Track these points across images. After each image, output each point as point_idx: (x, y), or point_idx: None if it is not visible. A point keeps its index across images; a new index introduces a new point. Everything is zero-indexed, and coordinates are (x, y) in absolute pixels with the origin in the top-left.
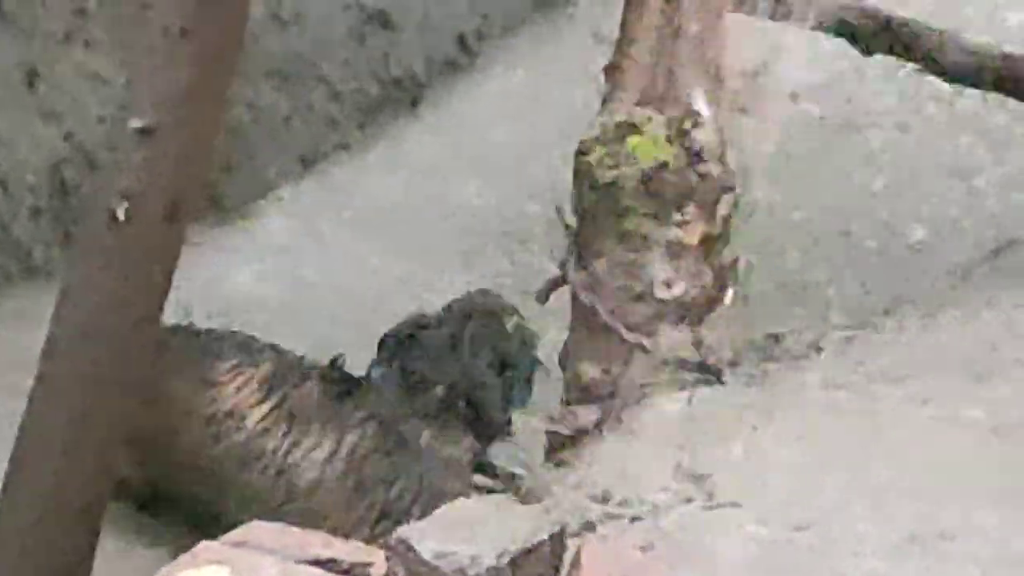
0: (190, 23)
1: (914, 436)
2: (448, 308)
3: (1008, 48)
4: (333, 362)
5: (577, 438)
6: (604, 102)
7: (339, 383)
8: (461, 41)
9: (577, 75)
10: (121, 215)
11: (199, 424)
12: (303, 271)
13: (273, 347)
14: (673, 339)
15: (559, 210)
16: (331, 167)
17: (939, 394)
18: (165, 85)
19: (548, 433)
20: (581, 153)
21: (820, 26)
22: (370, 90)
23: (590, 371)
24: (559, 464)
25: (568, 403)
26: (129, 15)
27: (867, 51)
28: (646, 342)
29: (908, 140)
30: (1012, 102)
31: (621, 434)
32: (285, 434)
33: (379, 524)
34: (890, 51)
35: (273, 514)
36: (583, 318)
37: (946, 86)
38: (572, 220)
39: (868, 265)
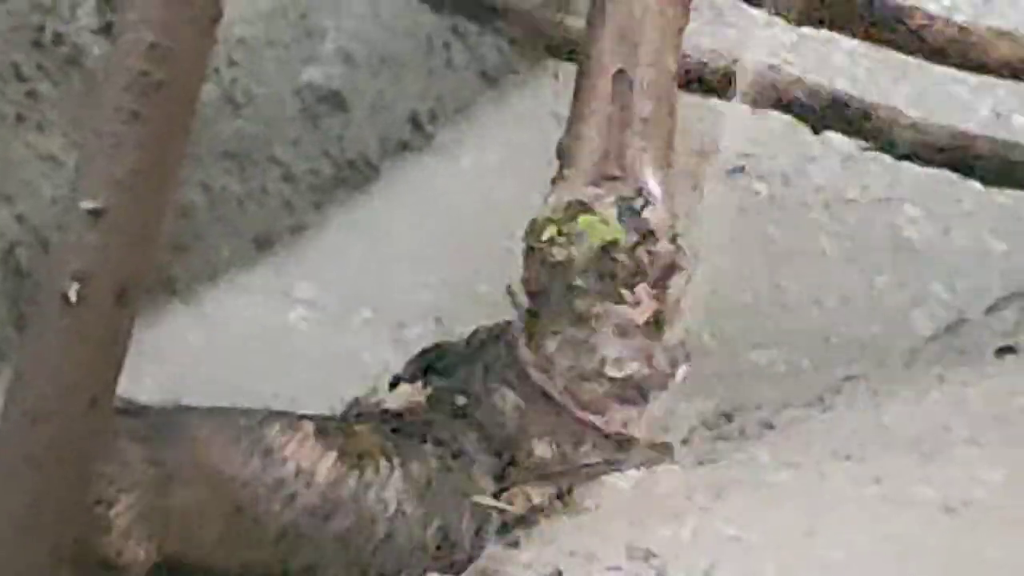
0: (140, 106)
1: (864, 515)
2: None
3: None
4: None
5: (529, 517)
6: (555, 181)
7: (386, 419)
8: (414, 121)
9: (532, 154)
10: (72, 297)
11: (265, 493)
12: (255, 354)
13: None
14: (625, 417)
15: (510, 289)
16: (284, 249)
17: (889, 473)
18: (116, 167)
19: (500, 512)
20: (532, 232)
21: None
22: (324, 171)
23: (542, 449)
24: (511, 543)
25: (519, 482)
26: (80, 97)
27: (815, 129)
28: (597, 421)
29: (856, 216)
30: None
31: (573, 513)
32: (357, 479)
33: (440, 549)
34: (839, 129)
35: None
36: (534, 396)
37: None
38: (523, 299)
39: (819, 343)
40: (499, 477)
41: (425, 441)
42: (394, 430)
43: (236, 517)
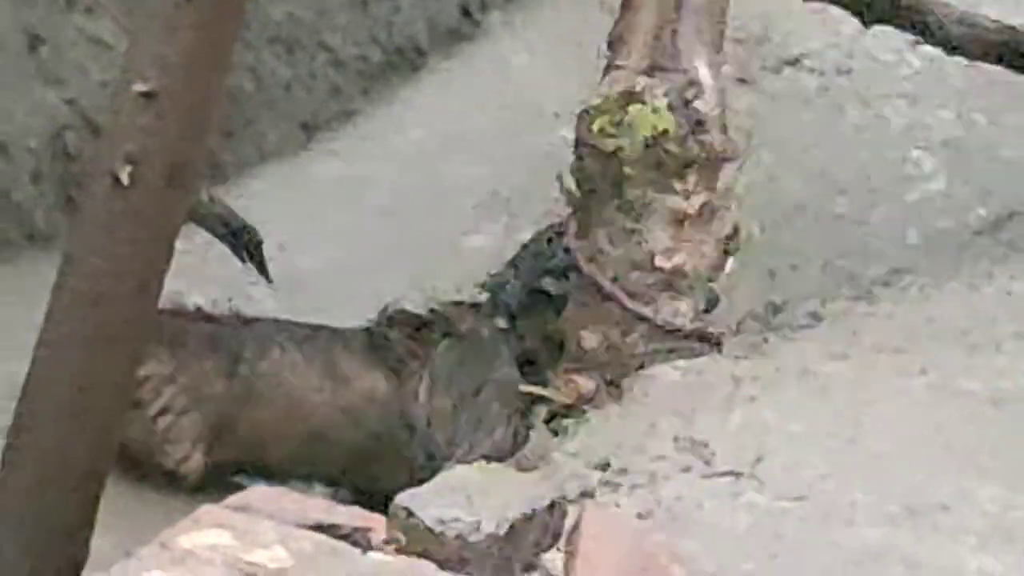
0: None
1: (911, 407)
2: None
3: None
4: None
5: (576, 406)
6: (606, 71)
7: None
8: (463, 8)
9: (581, 44)
10: (124, 179)
11: (338, 418)
12: (300, 242)
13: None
14: (673, 308)
15: (560, 178)
16: (332, 134)
17: (937, 365)
18: (168, 50)
19: (548, 400)
20: (583, 122)
21: None
22: (372, 57)
23: (590, 339)
24: (558, 432)
25: (568, 371)
26: None
27: (865, 21)
28: (646, 311)
29: (909, 113)
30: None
31: (620, 402)
32: (401, 390)
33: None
34: (889, 21)
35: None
36: (584, 287)
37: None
38: (574, 189)
39: (867, 237)
40: (523, 364)
41: (448, 335)
42: (419, 328)
43: (308, 439)
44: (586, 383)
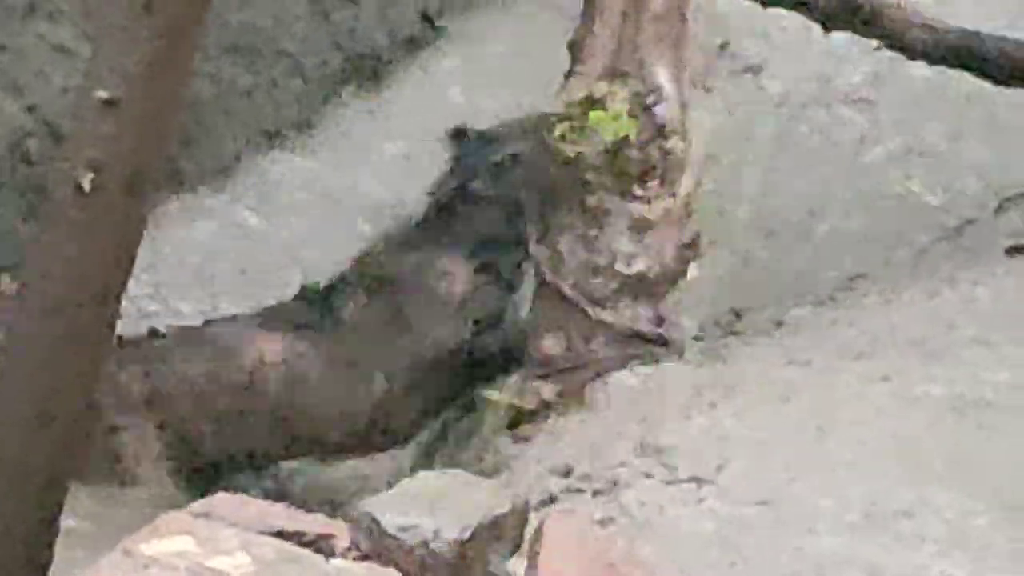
0: None
1: (873, 414)
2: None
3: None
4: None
5: (539, 412)
6: (567, 77)
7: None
8: (424, 15)
9: (541, 50)
10: (86, 186)
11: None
12: (264, 246)
13: None
14: (635, 314)
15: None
16: (292, 142)
17: (898, 372)
18: (129, 58)
19: (510, 407)
20: (544, 128)
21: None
22: (333, 64)
23: (552, 345)
24: (521, 438)
25: (530, 377)
26: None
27: (826, 27)
28: (608, 317)
29: (870, 118)
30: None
31: (583, 409)
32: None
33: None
34: (850, 27)
35: None
36: (546, 292)
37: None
38: (535, 196)
39: (829, 242)
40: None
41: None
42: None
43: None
44: (548, 389)
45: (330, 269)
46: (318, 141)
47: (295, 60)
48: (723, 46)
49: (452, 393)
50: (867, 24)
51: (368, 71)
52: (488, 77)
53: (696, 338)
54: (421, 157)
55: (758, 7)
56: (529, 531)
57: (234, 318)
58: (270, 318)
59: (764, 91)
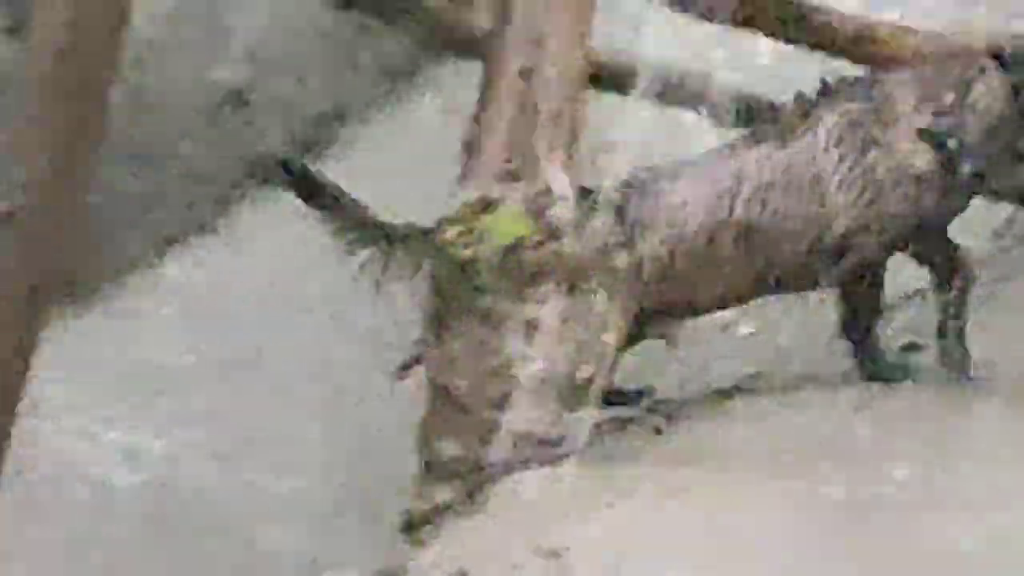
0: (50, 110)
1: (770, 513)
2: None
3: None
4: None
5: (434, 516)
6: (461, 179)
7: None
8: (319, 120)
9: (438, 153)
10: None
11: None
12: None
13: None
14: (531, 416)
15: (415, 289)
16: (188, 247)
17: (794, 471)
18: (27, 170)
19: (406, 511)
20: (438, 230)
21: None
22: (229, 170)
23: (448, 449)
24: (416, 542)
25: (426, 480)
26: None
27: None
28: (504, 420)
29: None
30: None
31: (479, 512)
32: None
33: None
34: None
35: None
36: (440, 396)
37: None
38: (430, 299)
39: (723, 341)
40: None
41: None
42: None
43: None
44: (444, 492)
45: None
46: (217, 244)
47: (192, 165)
48: (611, 146)
49: None
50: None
51: (263, 175)
52: (386, 180)
53: (592, 438)
54: (316, 260)
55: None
56: None
57: None
58: None
59: None
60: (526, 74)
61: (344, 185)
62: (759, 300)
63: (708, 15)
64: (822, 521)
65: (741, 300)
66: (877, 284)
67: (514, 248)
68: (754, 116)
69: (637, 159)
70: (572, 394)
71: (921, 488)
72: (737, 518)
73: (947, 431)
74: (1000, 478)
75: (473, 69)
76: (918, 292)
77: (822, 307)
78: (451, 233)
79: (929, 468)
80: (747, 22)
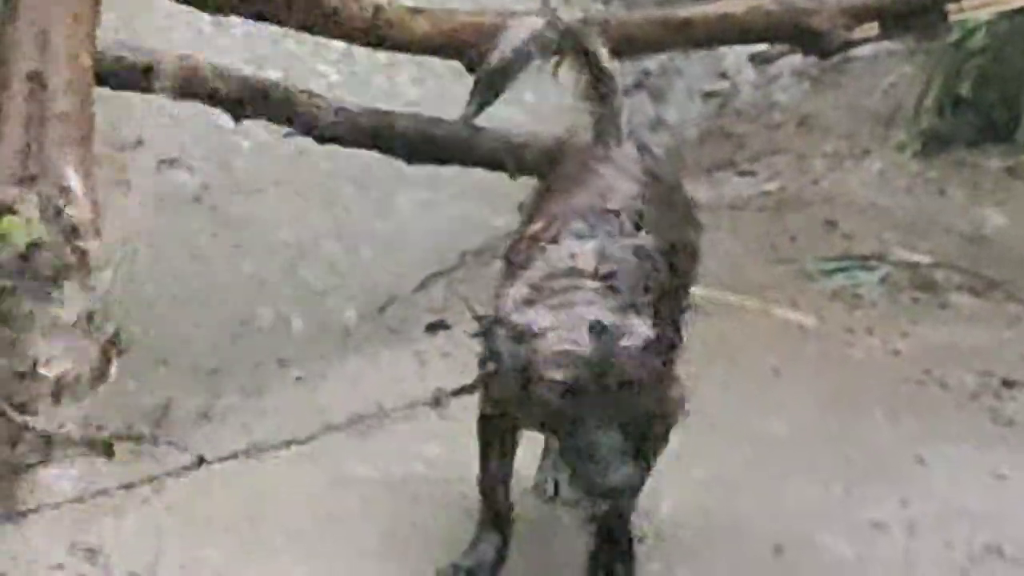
0: None
1: (305, 496)
2: None
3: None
4: None
5: None
6: None
7: None
8: None
9: None
10: None
11: None
12: None
13: None
14: (61, 416)
15: None
16: None
17: (327, 453)
18: None
19: None
20: None
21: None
22: None
23: None
24: None
25: None
26: None
27: (236, 117)
28: (33, 421)
29: (286, 201)
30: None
31: (13, 515)
32: None
33: None
34: (262, 115)
35: None
36: None
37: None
38: None
39: (249, 330)
40: None
41: None
42: None
43: None
44: None
45: None
46: None
47: None
48: (137, 142)
49: None
50: (279, 111)
51: None
52: None
53: (124, 436)
54: None
55: (168, 101)
56: None
57: None
58: None
59: (183, 183)
60: (35, 78)
61: None
62: None
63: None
64: (356, 500)
65: None
66: None
67: (33, 250)
68: None
69: (163, 153)
70: (102, 390)
71: (454, 464)
72: (274, 505)
73: None
74: None
75: None
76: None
77: (341, 288)
78: None
79: None
80: (260, 16)
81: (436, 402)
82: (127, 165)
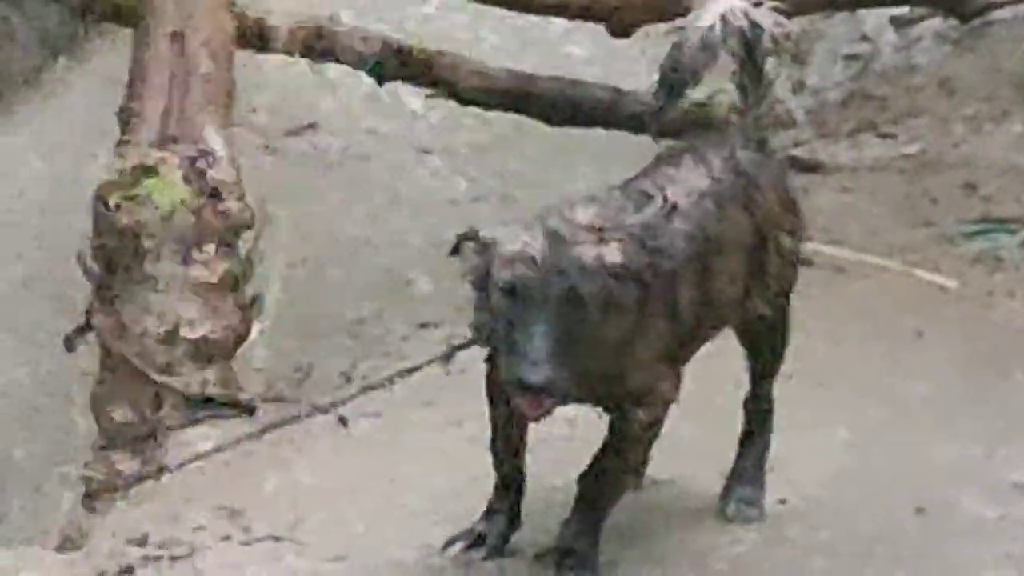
0: None
1: (444, 459)
2: None
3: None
4: None
5: (113, 482)
6: (118, 145)
7: None
8: None
9: (98, 121)
10: None
11: None
12: None
13: None
14: (203, 378)
15: (80, 258)
16: None
17: (470, 416)
18: None
19: (84, 479)
20: (99, 198)
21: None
22: None
23: (122, 414)
24: (96, 510)
25: (102, 447)
26: None
27: (379, 80)
28: (176, 383)
29: (430, 167)
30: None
31: (157, 476)
32: None
33: None
34: (402, 77)
35: None
36: (111, 363)
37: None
38: (95, 267)
39: (393, 292)
40: None
41: None
42: None
43: None
44: (120, 458)
45: None
46: None
47: None
48: (279, 106)
49: None
50: (418, 73)
51: None
52: (50, 150)
53: (266, 397)
54: None
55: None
56: None
57: None
58: None
59: (325, 146)
60: (177, 39)
61: (8, 154)
62: None
63: None
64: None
65: None
66: None
67: (176, 212)
68: None
69: (304, 117)
70: (243, 352)
71: None
72: (411, 468)
73: None
74: None
75: (128, 36)
76: None
77: None
78: (112, 200)
79: None
80: None
81: None
82: (271, 127)
